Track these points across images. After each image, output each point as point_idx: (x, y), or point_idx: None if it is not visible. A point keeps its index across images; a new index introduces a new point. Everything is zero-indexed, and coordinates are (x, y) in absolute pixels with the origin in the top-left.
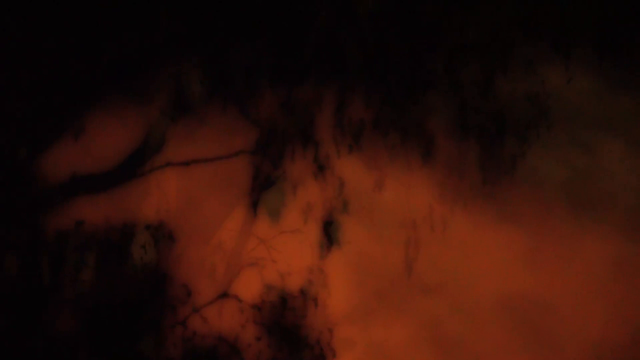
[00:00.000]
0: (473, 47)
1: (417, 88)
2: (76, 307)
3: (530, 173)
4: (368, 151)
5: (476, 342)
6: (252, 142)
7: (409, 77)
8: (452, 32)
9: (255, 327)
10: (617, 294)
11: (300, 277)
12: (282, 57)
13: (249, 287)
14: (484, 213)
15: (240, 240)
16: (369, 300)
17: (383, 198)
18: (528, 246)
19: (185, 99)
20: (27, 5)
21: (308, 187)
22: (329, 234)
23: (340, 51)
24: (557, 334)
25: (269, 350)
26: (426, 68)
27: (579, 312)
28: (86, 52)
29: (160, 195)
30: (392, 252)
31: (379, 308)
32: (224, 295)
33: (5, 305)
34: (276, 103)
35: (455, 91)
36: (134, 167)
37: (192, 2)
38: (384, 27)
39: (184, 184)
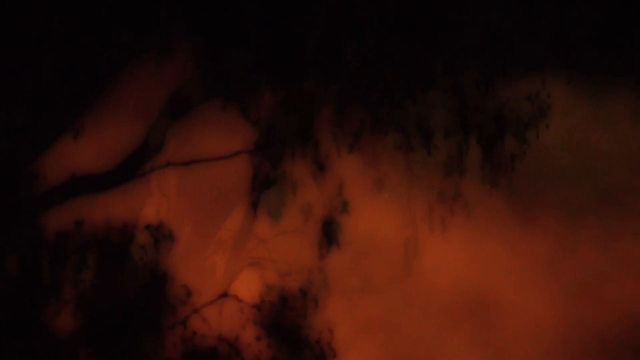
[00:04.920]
0: (473, 47)
1: (417, 88)
2: (76, 307)
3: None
4: (368, 151)
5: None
6: (251, 142)
7: (408, 77)
8: (452, 32)
9: (255, 327)
10: (568, 290)
11: (300, 277)
12: (282, 57)
13: (249, 287)
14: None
15: (240, 240)
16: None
17: (383, 198)
18: (478, 243)
19: (185, 99)
20: (27, 6)
21: (308, 187)
22: (329, 234)
23: (340, 51)
24: (509, 328)
25: (269, 350)
26: (426, 68)
27: (528, 307)
28: (85, 53)
29: (160, 195)
30: (392, 251)
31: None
32: (224, 295)
33: (5, 305)
34: (276, 103)
35: (455, 91)
36: (134, 167)
37: (192, 3)
38: (384, 28)
39: (184, 184)
